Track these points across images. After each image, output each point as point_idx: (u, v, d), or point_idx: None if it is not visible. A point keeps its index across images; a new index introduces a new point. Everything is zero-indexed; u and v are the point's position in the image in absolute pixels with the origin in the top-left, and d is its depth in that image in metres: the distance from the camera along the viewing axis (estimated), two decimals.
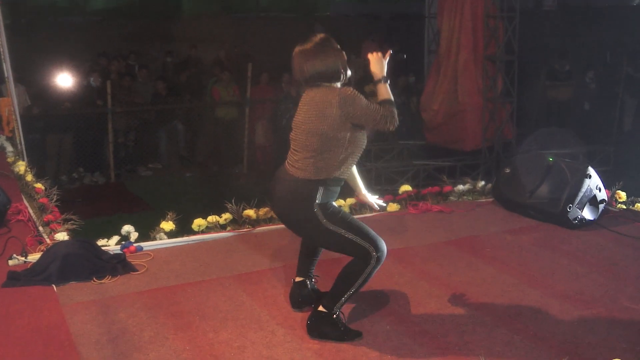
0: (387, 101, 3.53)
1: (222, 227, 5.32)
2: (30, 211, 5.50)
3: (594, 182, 5.42)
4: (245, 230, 5.29)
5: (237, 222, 5.35)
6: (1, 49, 7.86)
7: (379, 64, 3.61)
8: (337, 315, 3.63)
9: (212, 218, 5.33)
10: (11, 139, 7.85)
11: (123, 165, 10.62)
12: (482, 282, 4.39)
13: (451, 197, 6.17)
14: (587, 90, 12.08)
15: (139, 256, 4.80)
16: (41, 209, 5.50)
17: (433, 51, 11.17)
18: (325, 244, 3.69)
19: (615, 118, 11.66)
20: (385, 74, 3.60)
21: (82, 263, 4.41)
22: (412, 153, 10.92)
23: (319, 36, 3.56)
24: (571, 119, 11.29)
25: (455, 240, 5.20)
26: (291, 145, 3.61)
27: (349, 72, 3.59)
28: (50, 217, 5.26)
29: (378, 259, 3.52)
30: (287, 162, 3.61)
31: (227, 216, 5.37)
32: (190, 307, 4.02)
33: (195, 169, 10.95)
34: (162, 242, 5.04)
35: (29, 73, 10.28)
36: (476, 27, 10.24)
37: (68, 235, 4.93)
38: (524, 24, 10.24)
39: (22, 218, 5.36)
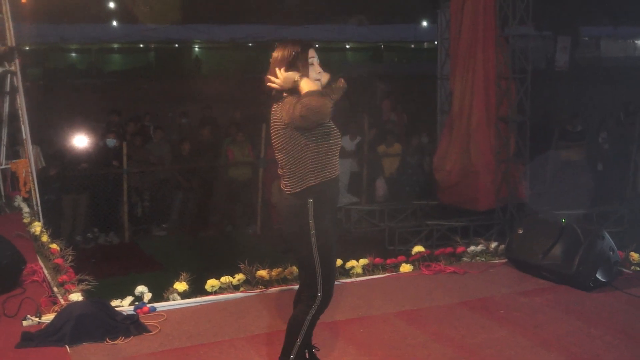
0: (307, 93, 3.45)
1: (235, 288, 5.34)
2: (45, 272, 5.56)
3: (607, 244, 5.42)
4: (258, 290, 5.31)
5: (250, 282, 5.38)
6: (20, 111, 8.10)
7: (287, 76, 3.55)
8: None
9: (225, 279, 5.36)
10: (27, 200, 7.96)
11: (137, 225, 10.69)
12: (495, 344, 4.39)
13: (464, 258, 6.18)
14: (601, 150, 12.15)
15: (152, 317, 4.82)
16: (56, 270, 5.55)
17: (445, 111, 11.32)
18: (300, 260, 3.69)
19: (629, 178, 11.67)
20: (297, 78, 3.52)
21: (95, 324, 4.44)
22: (425, 213, 10.95)
23: (292, 44, 3.64)
24: (584, 179, 11.32)
25: (469, 301, 5.19)
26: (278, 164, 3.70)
27: (317, 83, 3.59)
28: (65, 277, 5.30)
29: (321, 304, 3.61)
30: (282, 181, 3.69)
31: (240, 277, 5.39)
32: None
33: (209, 229, 11.03)
34: (175, 303, 5.07)
35: (46, 134, 10.52)
36: (488, 88, 10.38)
37: (82, 295, 4.96)
38: (536, 84, 10.39)
39: (37, 279, 5.40)
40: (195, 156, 11.17)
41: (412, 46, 28.51)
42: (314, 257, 3.55)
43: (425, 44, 27.24)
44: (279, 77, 3.55)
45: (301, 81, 3.50)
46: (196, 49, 26.39)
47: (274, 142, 3.60)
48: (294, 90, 3.55)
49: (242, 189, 11.36)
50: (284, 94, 3.59)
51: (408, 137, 12.39)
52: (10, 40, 7.82)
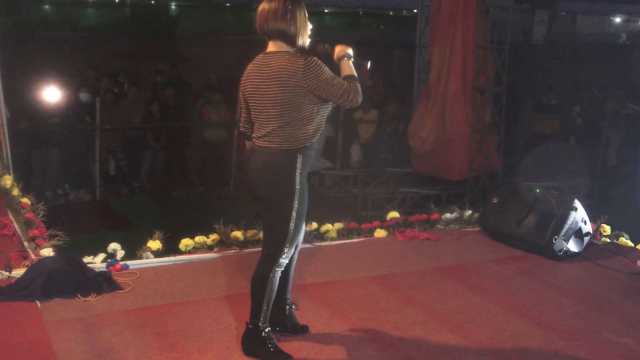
0: (350, 76, 3.52)
1: (210, 248, 5.32)
2: (16, 226, 5.47)
3: (579, 215, 5.48)
4: (232, 251, 5.29)
5: (225, 243, 5.35)
6: None
7: (342, 47, 3.63)
8: (267, 333, 3.61)
9: (199, 238, 5.33)
10: None
11: (109, 183, 10.57)
12: (467, 310, 4.42)
13: (438, 226, 6.21)
14: (573, 125, 12.24)
15: (125, 274, 4.78)
16: (27, 224, 5.47)
17: (423, 80, 11.29)
18: (272, 217, 3.56)
19: (600, 153, 11.81)
20: (348, 53, 3.60)
21: (67, 279, 4.39)
22: (398, 180, 10.98)
23: None
24: (557, 152, 11.42)
25: (442, 268, 5.22)
26: (258, 122, 3.53)
27: (307, 40, 3.56)
28: (36, 232, 5.24)
29: (281, 264, 3.60)
30: (255, 140, 3.56)
31: (214, 237, 5.37)
32: (175, 328, 4.01)
33: (182, 188, 10.94)
34: (148, 261, 5.03)
35: (16, 87, 10.26)
36: (466, 58, 10.36)
37: (54, 251, 4.90)
38: (513, 56, 10.40)
39: (7, 233, 5.32)
40: (167, 115, 11.03)
41: (391, 13, 28.29)
42: (291, 212, 3.48)
43: (404, 11, 27.06)
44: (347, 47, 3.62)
45: (346, 60, 3.57)
46: (173, 7, 25.91)
47: (277, 94, 3.41)
48: (321, 54, 3.54)
49: (216, 150, 11.26)
50: (307, 56, 3.48)
51: (384, 104, 12.33)
52: None
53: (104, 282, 4.53)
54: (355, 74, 3.55)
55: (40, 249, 4.91)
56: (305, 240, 5.51)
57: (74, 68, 12.67)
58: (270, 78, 3.44)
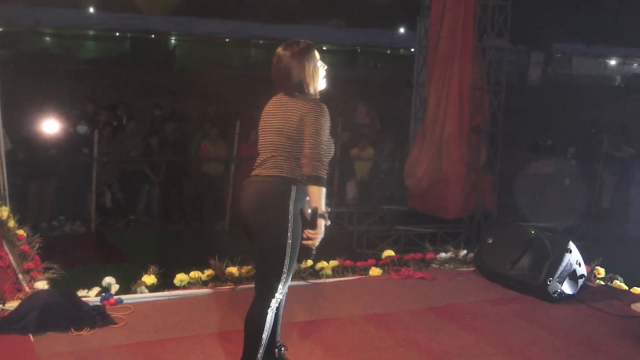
0: (318, 180, 3.44)
1: (204, 284, 5.30)
2: (11, 257, 5.45)
3: (574, 257, 5.50)
4: (227, 287, 5.28)
5: (220, 279, 5.34)
6: None
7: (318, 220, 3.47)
8: None
9: (194, 274, 5.30)
10: None
11: (104, 215, 10.56)
12: (462, 351, 4.41)
13: (433, 264, 6.21)
14: (568, 166, 12.32)
15: (119, 309, 4.75)
16: (22, 256, 5.44)
17: (419, 119, 11.38)
18: (266, 249, 3.51)
19: (594, 194, 11.87)
20: (315, 210, 3.44)
21: (61, 313, 4.36)
22: (393, 218, 10.99)
23: (305, 42, 3.60)
24: (552, 193, 11.48)
25: (436, 307, 5.21)
26: (260, 152, 3.61)
27: (321, 85, 3.63)
28: (31, 264, 5.21)
29: (277, 300, 3.54)
30: (255, 170, 3.60)
31: (209, 272, 5.35)
32: None
33: (178, 222, 10.93)
34: (142, 296, 5.00)
35: (16, 117, 10.31)
36: (463, 98, 10.47)
37: (48, 284, 4.88)
38: (509, 97, 10.51)
39: (2, 264, 5.29)
40: (166, 149, 11.09)
41: (388, 52, 28.58)
42: (286, 243, 3.44)
43: (401, 50, 27.33)
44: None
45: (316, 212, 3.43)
46: (172, 41, 26.15)
47: (281, 124, 3.53)
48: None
49: (213, 184, 11.28)
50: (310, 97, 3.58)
51: (381, 142, 12.42)
52: None
53: (97, 317, 4.50)
54: (321, 201, 3.43)
55: (34, 282, 4.89)
56: (299, 278, 5.54)
57: (73, 100, 12.73)
58: (280, 111, 3.57)
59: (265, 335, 3.55)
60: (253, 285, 5.26)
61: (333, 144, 3.66)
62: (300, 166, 3.48)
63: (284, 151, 3.51)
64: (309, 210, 3.44)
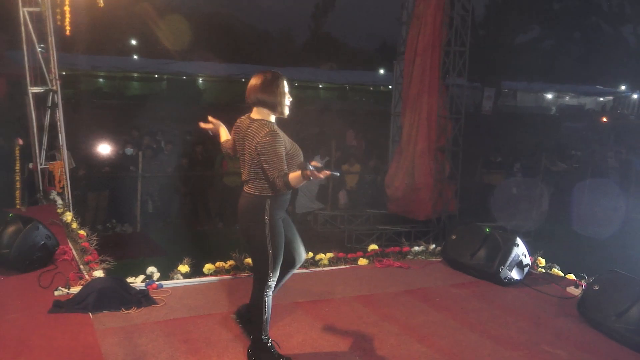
0: (290, 180, 3.31)
1: (227, 272, 5.29)
2: (74, 252, 5.44)
3: (521, 249, 5.49)
4: (245, 274, 5.26)
5: (239, 268, 5.33)
6: (58, 123, 7.94)
7: (316, 172, 3.31)
8: (270, 343, 3.56)
9: (219, 264, 5.29)
10: (60, 194, 7.79)
11: (148, 218, 10.52)
12: (432, 324, 4.40)
13: (409, 256, 6.19)
14: (515, 178, 12.35)
15: (160, 292, 4.74)
16: (83, 251, 5.44)
17: (396, 141, 11.37)
18: (254, 248, 3.52)
19: (536, 200, 11.88)
20: (306, 174, 3.27)
21: (114, 296, 4.37)
22: (376, 219, 10.97)
23: (271, 73, 3.49)
24: (501, 199, 11.49)
25: (411, 290, 5.20)
26: (241, 169, 3.56)
27: (286, 110, 3.50)
28: (89, 257, 5.21)
29: (270, 286, 3.50)
30: (242, 178, 3.55)
31: (231, 263, 5.34)
32: (199, 336, 3.98)
33: (205, 224, 10.91)
34: (178, 282, 5.00)
35: (76, 142, 10.31)
36: (430, 124, 10.46)
37: (103, 272, 4.88)
38: (467, 123, 10.54)
39: (67, 258, 5.29)
40: (195, 166, 11.07)
41: (371, 88, 28.67)
42: (267, 241, 3.42)
43: (381, 87, 27.41)
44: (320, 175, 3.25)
45: (303, 172, 3.29)
46: (200, 81, 26.18)
47: (247, 150, 3.44)
48: (282, 113, 3.48)
49: (233, 194, 11.24)
50: (262, 119, 3.44)
51: (366, 160, 12.43)
52: (54, 66, 7.69)
53: (142, 298, 4.49)
54: (293, 185, 3.32)
55: (92, 271, 4.88)
56: (302, 266, 5.52)
57: (121, 128, 12.73)
58: (245, 138, 3.47)
59: (266, 315, 3.53)
60: None
61: (298, 149, 3.51)
62: (269, 182, 3.39)
63: (253, 172, 3.44)
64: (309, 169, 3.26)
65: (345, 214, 11.08)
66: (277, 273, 3.54)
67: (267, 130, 3.38)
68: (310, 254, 5.66)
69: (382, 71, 29.63)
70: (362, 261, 5.87)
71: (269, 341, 3.57)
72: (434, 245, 6.42)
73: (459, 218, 10.25)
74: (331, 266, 5.71)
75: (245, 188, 3.51)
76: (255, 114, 3.52)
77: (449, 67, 10.24)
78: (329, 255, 5.79)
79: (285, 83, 3.52)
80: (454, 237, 6.01)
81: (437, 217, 10.36)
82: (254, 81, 3.50)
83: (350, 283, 5.30)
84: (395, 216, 10.68)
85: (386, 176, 11.06)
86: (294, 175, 3.33)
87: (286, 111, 3.54)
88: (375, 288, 5.21)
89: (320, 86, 27.63)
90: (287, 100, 3.53)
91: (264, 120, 3.47)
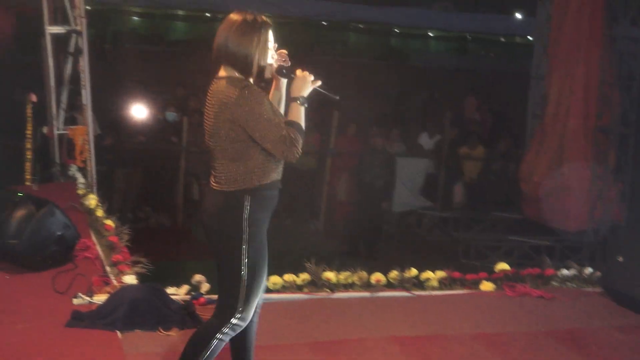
0: (295, 124, 3.22)
1: (299, 288, 5.36)
2: (99, 248, 5.67)
3: None
4: (323, 293, 5.31)
5: (316, 284, 5.38)
6: (82, 75, 8.23)
7: (302, 83, 3.31)
8: None
9: (289, 277, 5.37)
10: (82, 170, 8.09)
11: (192, 208, 10.73)
12: None
13: (553, 282, 6.08)
14: None
15: (209, 310, 4.80)
16: (110, 248, 5.65)
17: (538, 116, 11.08)
18: (222, 267, 3.35)
19: None
20: (304, 95, 3.28)
21: (149, 310, 4.50)
22: (506, 227, 10.76)
23: (254, 15, 3.29)
24: None
25: (556, 331, 5.10)
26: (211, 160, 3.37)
27: (266, 72, 3.36)
28: (119, 257, 5.40)
29: (234, 327, 3.28)
30: (211, 172, 3.36)
31: (305, 276, 5.40)
32: None
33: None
34: None
35: (103, 101, 10.69)
36: (589, 94, 10.12)
37: (136, 279, 5.05)
38: None
39: (90, 255, 5.51)
40: None
41: (503, 39, 28.03)
42: (242, 264, 3.23)
43: (517, 38, 26.74)
44: (308, 81, 3.30)
45: (302, 105, 3.27)
46: None
47: (215, 124, 3.24)
48: (261, 75, 3.33)
49: (304, 180, 11.30)
50: (248, 79, 3.29)
51: (493, 140, 12.20)
52: None
53: (187, 316, 4.61)
54: (301, 123, 3.24)
55: (122, 275, 5.06)
56: (401, 288, 5.51)
57: (162, 84, 13.00)
58: (210, 108, 3.29)
59: (202, 359, 3.28)
60: (352, 293, 5.37)
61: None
62: (250, 167, 3.23)
63: (225, 157, 3.25)
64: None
65: (461, 216, 10.96)
66: (251, 311, 3.33)
67: (241, 86, 3.20)
68: (415, 272, 5.64)
69: (519, 15, 28.90)
70: (486, 285, 5.82)
71: None
72: (590, 269, 6.25)
73: (629, 231, 9.87)
74: (442, 290, 5.70)
75: (214, 182, 3.34)
76: (222, 71, 3.35)
77: (618, 12, 9.87)
78: (440, 274, 5.77)
79: (270, 33, 3.34)
80: (620, 259, 5.83)
81: (594, 227, 10.05)
82: (224, 25, 3.32)
83: (468, 315, 5.26)
84: (533, 224, 10.44)
85: (521, 166, 10.83)
86: (291, 115, 3.25)
87: (266, 73, 3.39)
88: (504, 325, 5.14)
89: (430, 34, 27.31)
90: (271, 57, 3.37)
91: (233, 76, 3.30)
